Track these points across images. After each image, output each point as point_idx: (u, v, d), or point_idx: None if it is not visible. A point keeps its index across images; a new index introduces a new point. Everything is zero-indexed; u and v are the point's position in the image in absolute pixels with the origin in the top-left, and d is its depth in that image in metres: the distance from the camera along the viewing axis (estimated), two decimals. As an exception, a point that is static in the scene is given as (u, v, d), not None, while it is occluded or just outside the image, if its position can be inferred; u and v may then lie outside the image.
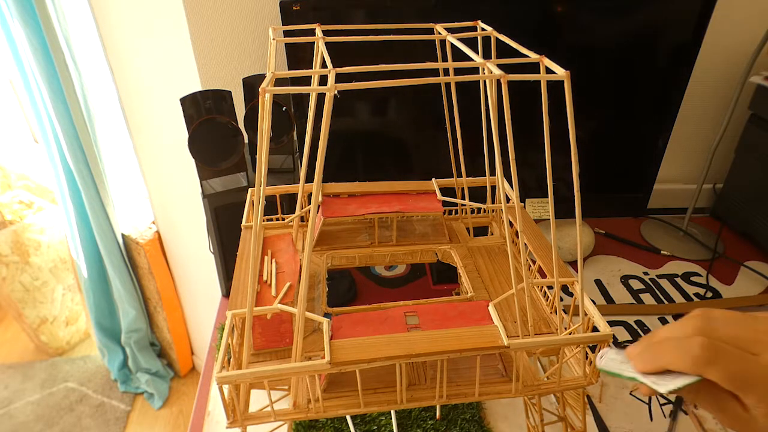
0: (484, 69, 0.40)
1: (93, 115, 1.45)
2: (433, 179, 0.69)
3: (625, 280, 0.99)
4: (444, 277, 0.97)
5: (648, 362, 0.38)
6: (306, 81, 0.43)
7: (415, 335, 0.45)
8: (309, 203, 0.64)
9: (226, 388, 0.43)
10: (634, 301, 0.93)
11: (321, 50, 0.45)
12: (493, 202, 0.69)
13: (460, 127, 0.62)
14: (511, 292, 0.47)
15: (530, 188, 0.96)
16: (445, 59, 0.57)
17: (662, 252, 1.07)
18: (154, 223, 1.68)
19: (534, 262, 0.58)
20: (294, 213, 0.64)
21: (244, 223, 0.63)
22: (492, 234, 0.70)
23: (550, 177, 0.40)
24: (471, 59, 0.42)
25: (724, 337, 0.35)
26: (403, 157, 0.97)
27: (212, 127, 0.77)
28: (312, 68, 0.45)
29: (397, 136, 0.96)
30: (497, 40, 0.51)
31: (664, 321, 0.88)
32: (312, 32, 0.50)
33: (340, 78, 0.37)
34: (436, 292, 0.95)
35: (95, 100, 1.45)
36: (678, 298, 0.94)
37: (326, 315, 0.52)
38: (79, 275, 1.78)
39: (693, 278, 1.00)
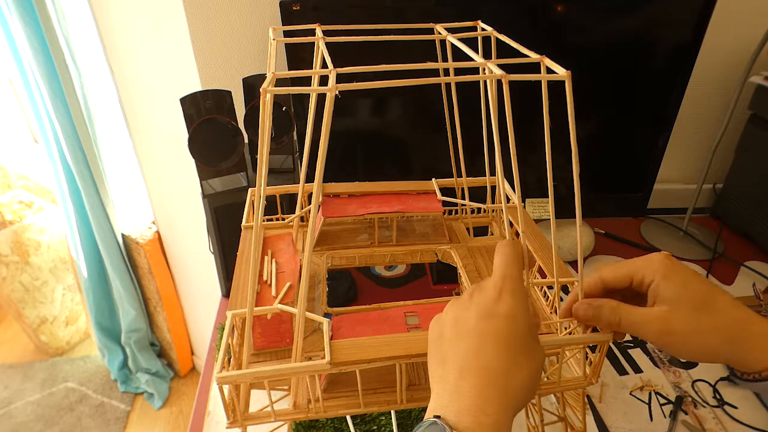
0: (484, 69, 0.40)
1: (93, 115, 1.45)
2: (433, 179, 0.69)
3: (625, 280, 0.99)
4: (444, 277, 0.97)
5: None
6: (306, 81, 0.43)
7: (415, 335, 0.45)
8: (309, 203, 0.64)
9: (226, 388, 0.43)
10: (634, 301, 0.93)
11: (321, 50, 0.45)
12: (493, 202, 0.69)
13: (460, 127, 0.62)
14: (512, 292, 0.47)
15: (530, 188, 0.96)
16: (445, 59, 0.57)
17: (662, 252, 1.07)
18: (154, 223, 1.68)
19: (534, 262, 0.58)
20: (294, 213, 0.64)
21: (244, 223, 0.63)
22: (492, 234, 0.70)
23: (551, 177, 0.40)
24: (471, 59, 0.42)
25: None
26: (403, 157, 0.97)
27: (212, 127, 0.77)
28: (312, 68, 0.45)
29: (397, 136, 0.96)
30: (497, 40, 0.51)
31: (664, 321, 0.89)
32: (312, 32, 0.50)
33: (340, 78, 0.37)
34: (436, 292, 0.95)
35: (95, 100, 1.45)
36: (678, 298, 0.94)
37: (326, 315, 0.53)
38: (79, 275, 1.78)
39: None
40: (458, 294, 0.64)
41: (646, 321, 0.40)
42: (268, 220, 0.67)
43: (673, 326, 0.39)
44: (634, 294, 0.43)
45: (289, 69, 0.87)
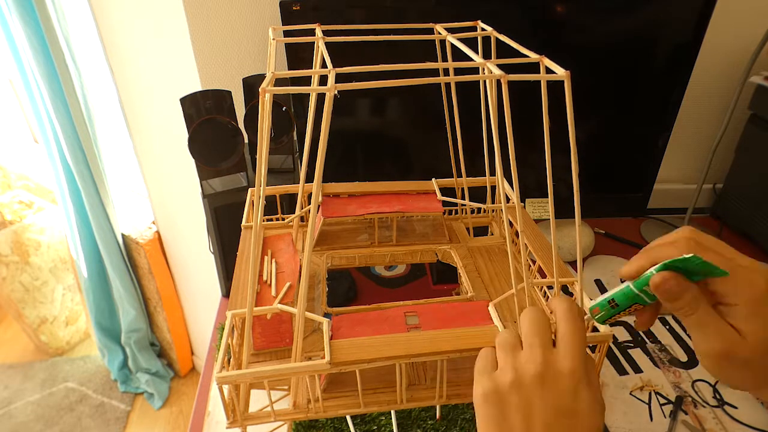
0: (484, 69, 0.40)
1: (93, 115, 1.45)
2: (433, 179, 0.69)
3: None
4: (444, 277, 0.97)
5: (640, 260, 0.39)
6: (306, 81, 0.43)
7: (415, 335, 0.45)
8: (309, 203, 0.64)
9: (226, 388, 0.43)
10: (634, 301, 0.93)
11: (321, 50, 0.45)
12: (493, 202, 0.69)
13: (460, 127, 0.62)
14: (511, 292, 0.47)
15: (530, 188, 0.96)
16: (445, 59, 0.57)
17: (662, 252, 1.07)
18: (154, 223, 1.68)
19: (534, 262, 0.58)
20: (294, 213, 0.64)
21: (244, 223, 0.63)
22: (492, 234, 0.70)
23: (550, 177, 0.40)
24: (471, 59, 0.42)
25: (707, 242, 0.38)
26: (403, 157, 0.97)
27: (212, 127, 0.77)
28: (312, 68, 0.45)
29: (397, 135, 0.96)
30: (497, 40, 0.51)
31: (663, 321, 0.88)
32: (312, 32, 0.50)
33: (340, 78, 0.37)
34: (436, 292, 0.95)
35: (95, 100, 1.45)
36: (678, 298, 0.94)
37: (326, 315, 0.53)
38: (79, 275, 1.78)
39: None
40: (457, 294, 0.64)
41: (714, 332, 0.36)
42: (268, 220, 0.67)
43: (738, 354, 0.35)
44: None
45: (289, 69, 0.87)
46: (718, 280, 0.36)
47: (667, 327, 0.87)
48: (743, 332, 0.35)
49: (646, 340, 0.85)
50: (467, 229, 0.68)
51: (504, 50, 0.47)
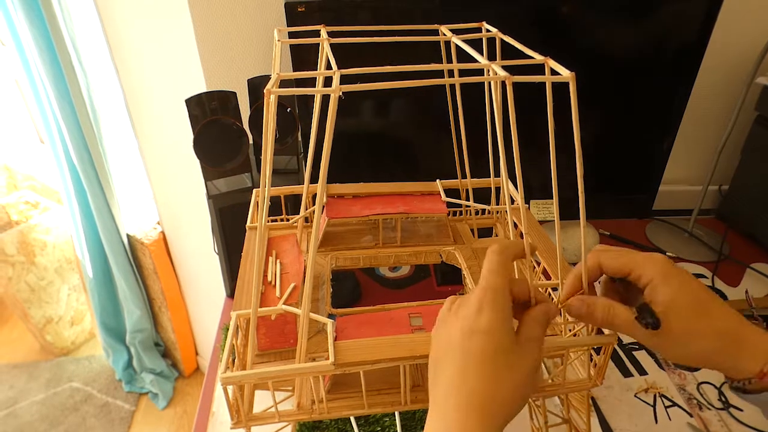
0: (488, 70, 0.40)
1: (99, 116, 1.45)
2: (438, 180, 0.69)
3: (630, 281, 0.99)
4: (448, 278, 0.97)
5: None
6: (311, 82, 0.43)
7: (420, 336, 0.45)
8: (313, 204, 0.64)
9: (230, 388, 0.43)
10: (639, 303, 0.93)
11: (326, 51, 0.45)
12: (497, 204, 0.69)
13: (464, 129, 0.62)
14: (516, 293, 0.47)
15: (535, 189, 0.96)
16: (449, 60, 0.57)
17: (667, 254, 1.07)
18: (159, 223, 1.68)
19: (538, 263, 0.58)
20: (298, 214, 0.64)
21: (248, 223, 0.64)
22: (496, 235, 0.70)
23: (555, 178, 0.40)
24: (476, 61, 0.42)
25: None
26: (407, 158, 0.97)
27: (217, 127, 0.77)
28: (317, 70, 0.45)
29: (401, 137, 0.96)
30: (502, 41, 0.51)
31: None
32: (317, 33, 0.50)
33: (344, 79, 0.37)
34: (440, 293, 0.95)
35: (101, 100, 1.46)
36: (683, 300, 0.94)
37: (330, 316, 0.53)
38: (84, 275, 1.79)
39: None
40: (462, 294, 0.64)
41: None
42: (272, 220, 0.67)
43: (666, 329, 0.38)
44: (626, 284, 0.43)
45: (294, 70, 0.87)
46: (635, 271, 0.40)
47: (673, 329, 0.87)
48: (662, 305, 0.39)
49: (651, 342, 0.84)
50: (472, 230, 0.68)
51: (509, 52, 0.47)
